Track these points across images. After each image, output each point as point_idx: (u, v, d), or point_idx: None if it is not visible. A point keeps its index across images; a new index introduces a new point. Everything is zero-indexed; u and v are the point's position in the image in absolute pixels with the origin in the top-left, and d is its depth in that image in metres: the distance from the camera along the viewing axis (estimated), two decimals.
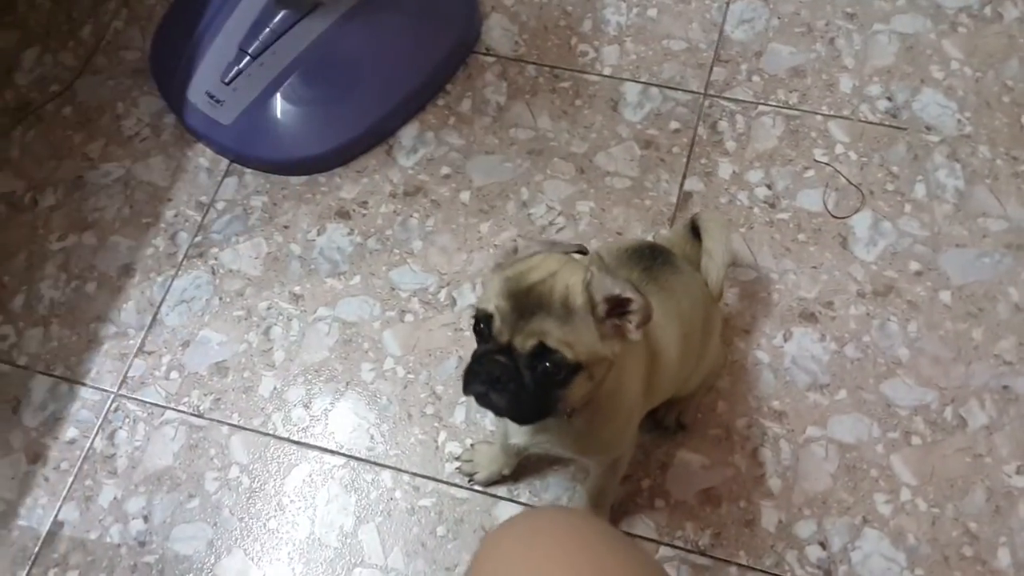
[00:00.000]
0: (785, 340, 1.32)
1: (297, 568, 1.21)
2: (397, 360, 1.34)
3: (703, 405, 1.28)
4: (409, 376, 1.33)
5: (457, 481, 1.25)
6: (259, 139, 1.51)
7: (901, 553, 1.18)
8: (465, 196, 1.47)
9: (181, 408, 1.33)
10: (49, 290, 1.43)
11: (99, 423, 1.32)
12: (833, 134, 1.48)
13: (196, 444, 1.30)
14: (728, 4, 1.62)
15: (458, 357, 1.33)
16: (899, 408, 1.27)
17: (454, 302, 1.38)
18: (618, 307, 0.84)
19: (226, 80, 1.51)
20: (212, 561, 1.23)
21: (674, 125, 1.51)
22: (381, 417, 1.30)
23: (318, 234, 1.45)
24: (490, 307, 0.84)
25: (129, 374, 1.36)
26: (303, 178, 1.51)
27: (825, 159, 1.46)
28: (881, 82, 1.53)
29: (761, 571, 1.18)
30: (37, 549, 1.25)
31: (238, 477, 1.27)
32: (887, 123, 1.49)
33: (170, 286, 1.42)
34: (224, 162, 1.53)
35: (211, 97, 1.51)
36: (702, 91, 1.54)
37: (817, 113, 1.50)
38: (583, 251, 0.91)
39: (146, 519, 1.25)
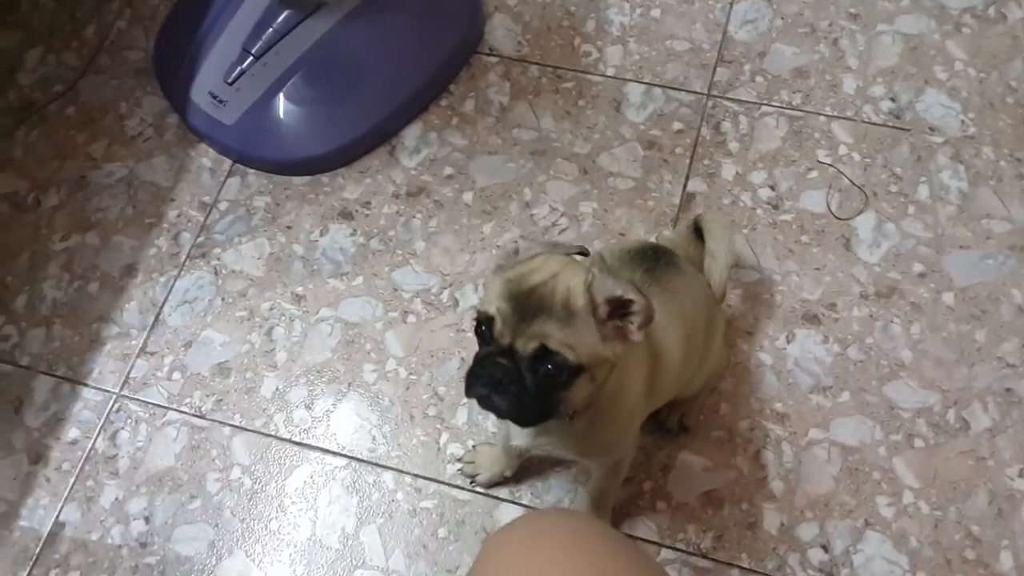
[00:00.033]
0: (788, 342, 1.32)
1: (298, 570, 1.22)
2: (399, 361, 1.34)
3: (705, 407, 1.27)
4: (411, 377, 1.33)
5: (459, 483, 1.25)
6: (262, 139, 1.51)
7: (903, 556, 1.18)
8: (468, 197, 1.47)
9: (183, 409, 1.33)
10: (52, 290, 1.43)
11: (101, 423, 1.33)
12: (836, 135, 1.48)
13: (198, 445, 1.30)
14: (732, 4, 1.62)
15: (460, 358, 1.33)
16: (902, 410, 1.26)
17: (456, 303, 1.38)
18: (620, 308, 0.83)
19: (229, 80, 1.51)
20: (213, 562, 1.23)
21: (677, 126, 1.50)
22: (383, 418, 1.30)
23: (321, 235, 1.45)
24: (491, 309, 0.84)
25: (131, 375, 1.36)
26: (306, 178, 1.51)
27: (828, 160, 1.46)
28: (885, 83, 1.52)
29: (763, 574, 1.17)
30: (38, 550, 1.25)
31: (240, 478, 1.27)
32: (891, 124, 1.48)
33: (173, 286, 1.42)
34: (227, 162, 1.53)
35: (214, 97, 1.51)
36: (705, 92, 1.53)
37: (820, 114, 1.50)
38: (584, 252, 0.91)
39: (147, 520, 1.26)
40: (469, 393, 0.87)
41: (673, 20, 1.61)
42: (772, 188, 1.44)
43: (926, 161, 1.45)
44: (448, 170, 1.49)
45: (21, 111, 1.60)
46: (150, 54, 1.64)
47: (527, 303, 0.82)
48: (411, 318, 1.37)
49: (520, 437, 1.00)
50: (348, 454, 1.28)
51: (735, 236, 1.37)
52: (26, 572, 1.24)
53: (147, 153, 1.55)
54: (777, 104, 1.51)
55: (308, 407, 1.32)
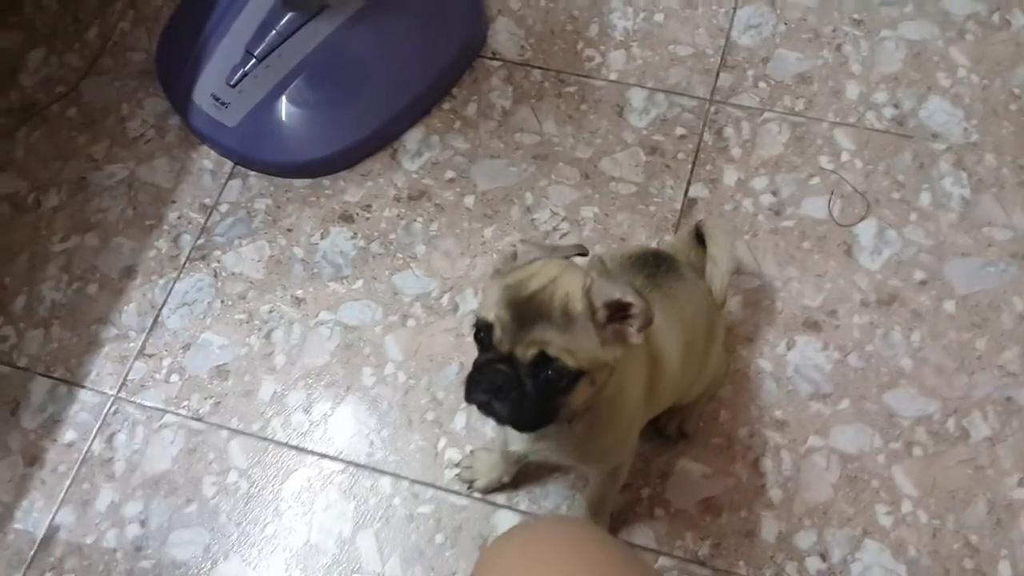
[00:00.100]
0: (788, 349, 1.31)
1: (294, 575, 1.21)
2: (398, 365, 1.34)
3: (705, 414, 1.27)
4: (410, 382, 1.32)
5: (456, 488, 1.24)
6: (264, 142, 1.51)
7: (902, 565, 1.17)
8: (469, 200, 1.46)
9: (180, 412, 1.33)
10: (51, 291, 1.43)
11: (98, 426, 1.32)
12: (839, 141, 1.47)
13: (195, 448, 1.30)
14: (735, 10, 1.61)
15: (459, 363, 1.32)
16: (901, 418, 1.26)
17: (456, 307, 1.37)
18: (619, 311, 0.83)
19: (232, 82, 1.51)
20: (208, 567, 1.22)
21: (679, 131, 1.50)
22: (381, 423, 1.30)
23: (321, 237, 1.45)
24: (490, 316, 0.84)
25: (129, 377, 1.36)
26: (307, 181, 1.50)
27: (831, 167, 1.45)
28: (888, 89, 1.52)
29: None
30: (32, 553, 1.25)
31: (236, 482, 1.27)
32: (893, 131, 1.48)
33: (172, 288, 1.42)
34: (228, 164, 1.53)
35: (216, 99, 1.51)
36: (708, 97, 1.53)
37: (823, 120, 1.49)
38: (583, 253, 0.90)
39: (143, 524, 1.25)
40: (469, 399, 0.87)
41: (676, 25, 1.61)
42: (774, 194, 1.43)
43: (928, 168, 1.44)
44: (450, 174, 1.49)
45: (23, 112, 1.60)
46: (153, 56, 1.64)
47: (526, 310, 0.82)
48: (411, 322, 1.37)
49: (518, 442, 1.00)
50: (345, 458, 1.28)
51: (737, 242, 1.36)
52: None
53: (148, 155, 1.55)
54: (780, 110, 1.51)
55: (306, 411, 1.31)
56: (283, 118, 1.50)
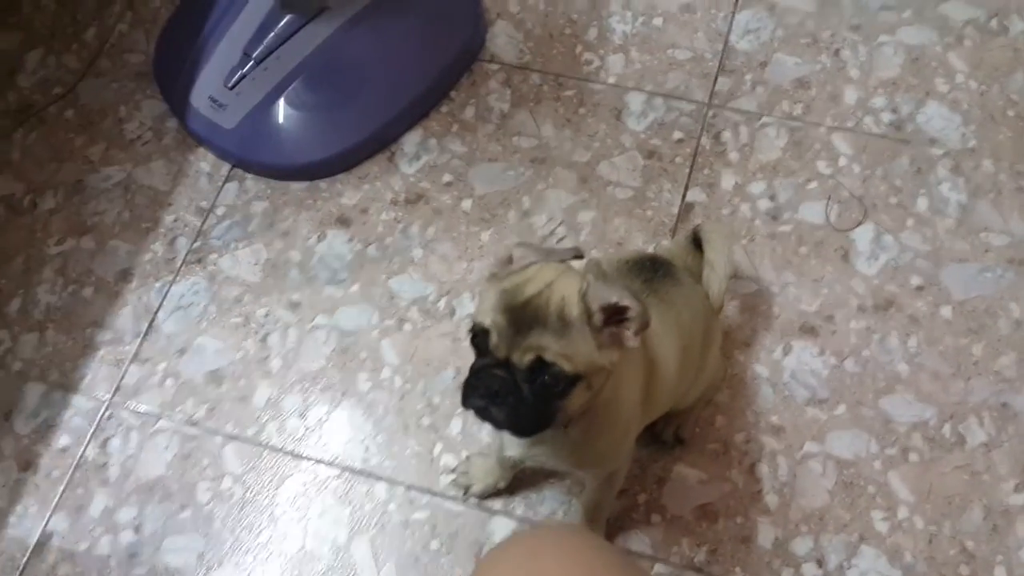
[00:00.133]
0: (785, 354, 1.31)
1: None
2: (395, 370, 1.33)
3: (701, 419, 1.27)
4: (406, 386, 1.32)
5: (452, 494, 1.24)
6: (261, 144, 1.51)
7: (898, 571, 1.17)
8: (467, 204, 1.46)
9: (175, 417, 1.32)
10: (46, 295, 1.43)
11: (92, 431, 1.32)
12: (837, 146, 1.47)
13: (189, 454, 1.29)
14: (734, 14, 1.61)
15: (456, 368, 1.32)
16: (898, 424, 1.26)
17: (453, 311, 1.37)
18: (615, 315, 0.83)
19: (230, 84, 1.50)
20: (202, 573, 1.22)
21: (677, 135, 1.50)
22: (377, 428, 1.30)
23: (318, 241, 1.45)
24: (486, 321, 0.84)
25: (124, 381, 1.35)
26: (304, 184, 1.50)
27: (828, 171, 1.45)
28: (886, 94, 1.51)
29: None
30: (25, 560, 1.24)
31: (231, 488, 1.27)
32: (891, 136, 1.48)
33: (168, 292, 1.42)
34: (225, 167, 1.53)
35: (214, 101, 1.51)
36: (706, 101, 1.53)
37: (821, 125, 1.49)
38: (579, 255, 0.90)
39: (137, 530, 1.25)
40: (466, 404, 0.87)
41: (675, 29, 1.61)
42: (771, 199, 1.43)
43: (926, 173, 1.44)
44: (447, 177, 1.49)
45: (20, 113, 1.60)
46: (151, 57, 1.63)
47: (522, 315, 0.82)
48: (407, 326, 1.37)
49: (514, 447, 0.99)
50: (341, 464, 1.28)
51: (734, 247, 1.36)
52: None
53: (145, 157, 1.54)
54: (778, 115, 1.51)
55: (301, 416, 1.31)
56: (281, 120, 1.50)
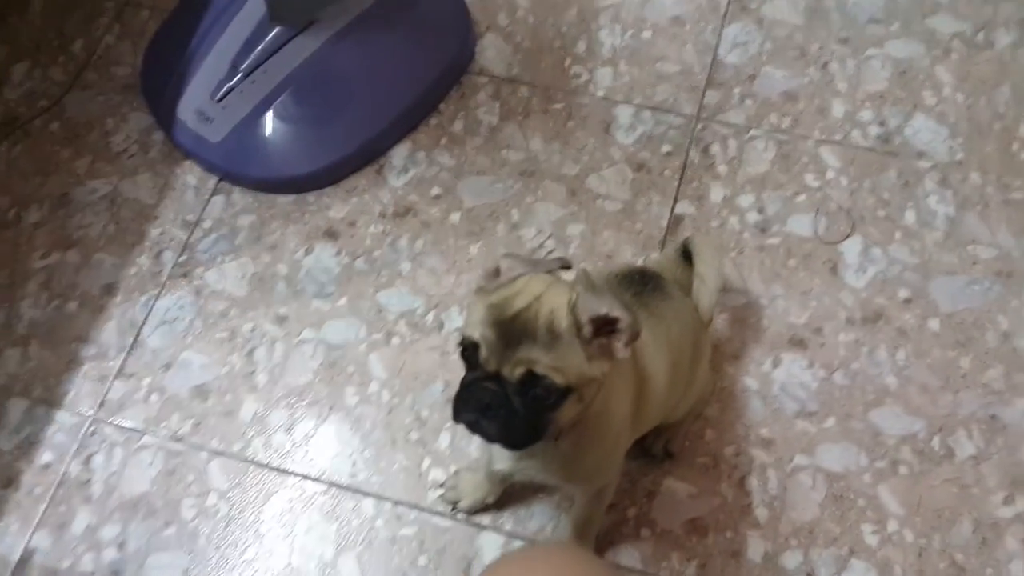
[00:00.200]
0: (774, 366, 1.31)
1: None
2: (382, 384, 1.32)
3: (691, 433, 1.26)
4: (394, 400, 1.31)
5: (440, 509, 1.23)
6: (249, 157, 1.50)
7: None
8: (455, 217, 1.46)
9: (160, 432, 1.31)
10: (30, 309, 1.41)
11: (75, 447, 1.30)
12: (825, 159, 1.48)
13: (174, 470, 1.28)
14: (722, 27, 1.62)
15: (444, 382, 1.31)
16: (887, 437, 1.25)
17: (442, 325, 1.36)
18: (605, 326, 0.83)
19: (217, 97, 1.50)
20: None
21: (666, 148, 1.50)
22: (364, 443, 1.28)
23: (305, 254, 1.44)
24: (475, 335, 0.83)
25: (108, 397, 1.34)
26: (291, 197, 1.49)
27: (816, 184, 1.45)
28: (873, 107, 1.52)
29: None
30: None
31: (216, 504, 1.25)
32: (879, 149, 1.48)
33: (153, 306, 1.40)
34: (212, 180, 1.52)
35: (201, 114, 1.51)
36: (695, 114, 1.53)
37: (809, 138, 1.50)
38: (567, 266, 0.90)
39: (120, 547, 1.23)
40: (458, 418, 0.86)
41: (664, 42, 1.61)
42: (760, 212, 1.43)
43: (913, 186, 1.44)
44: (436, 190, 1.48)
45: (5, 126, 1.58)
46: (138, 70, 1.62)
47: (511, 329, 0.82)
48: (395, 340, 1.36)
49: (503, 461, 0.99)
50: (328, 480, 1.26)
51: (724, 259, 1.36)
52: None
53: (132, 170, 1.53)
54: (766, 128, 1.51)
55: (288, 431, 1.30)
56: (268, 133, 1.49)
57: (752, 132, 1.51)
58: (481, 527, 1.22)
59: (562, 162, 1.49)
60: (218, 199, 1.50)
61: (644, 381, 0.99)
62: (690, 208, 1.44)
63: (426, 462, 1.26)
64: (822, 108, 1.52)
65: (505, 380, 0.82)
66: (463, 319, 1.33)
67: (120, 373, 1.35)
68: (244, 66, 1.50)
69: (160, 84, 1.56)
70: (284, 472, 1.27)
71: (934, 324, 1.33)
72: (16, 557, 1.23)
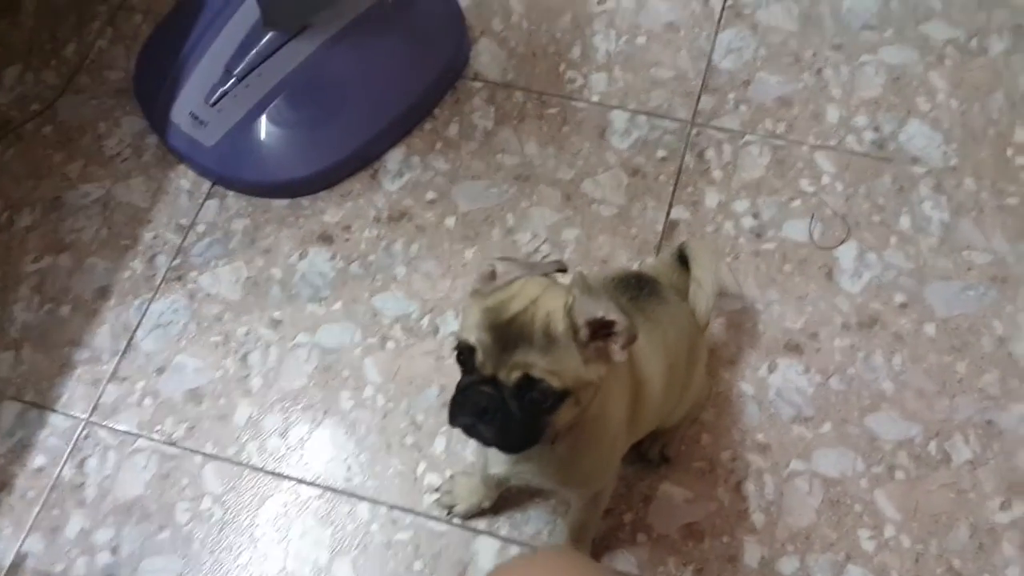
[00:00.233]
0: (770, 371, 1.31)
1: None
2: (377, 388, 1.32)
3: (687, 437, 1.26)
4: (389, 405, 1.30)
5: (436, 514, 1.22)
6: (243, 161, 1.49)
7: None
8: (450, 222, 1.45)
9: (154, 436, 1.30)
10: (22, 312, 1.40)
11: (69, 451, 1.29)
12: (819, 165, 1.48)
13: (168, 474, 1.27)
14: (716, 33, 1.62)
15: (440, 386, 1.31)
16: (883, 442, 1.25)
17: (437, 329, 1.36)
18: (601, 329, 0.82)
19: (211, 101, 1.49)
20: None
21: (661, 153, 1.50)
22: (359, 447, 1.28)
23: (300, 258, 1.43)
24: (471, 339, 0.83)
25: (101, 400, 1.33)
26: (286, 201, 1.49)
27: (811, 190, 1.46)
28: (868, 113, 1.52)
29: None
30: None
31: (210, 508, 1.24)
32: (873, 154, 1.49)
33: (146, 310, 1.40)
34: (206, 184, 1.51)
35: (195, 118, 1.50)
36: (690, 119, 1.53)
37: (804, 143, 1.50)
38: (563, 269, 0.89)
39: (114, 551, 1.22)
40: (454, 422, 0.86)
41: (658, 48, 1.61)
42: (755, 217, 1.43)
43: (908, 192, 1.45)
44: (431, 194, 1.48)
45: None
46: (131, 74, 1.62)
47: (507, 332, 0.81)
48: (390, 344, 1.35)
49: (499, 465, 0.98)
50: (322, 484, 1.26)
51: (720, 264, 1.36)
52: None
53: (125, 174, 1.53)
54: (761, 133, 1.51)
55: (282, 435, 1.29)
56: (262, 137, 1.49)
57: (747, 137, 1.51)
58: (477, 532, 1.21)
59: (557, 167, 1.49)
60: (212, 203, 1.49)
61: (640, 385, 0.98)
62: (685, 213, 1.44)
63: (421, 466, 1.26)
64: (816, 114, 1.53)
65: (501, 384, 0.82)
66: (459, 323, 1.33)
67: (114, 377, 1.35)
68: (238, 70, 1.49)
69: (154, 88, 1.56)
70: (279, 476, 1.26)
71: (930, 329, 1.33)
72: (8, 561, 1.22)
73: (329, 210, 1.47)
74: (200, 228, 1.47)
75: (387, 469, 1.26)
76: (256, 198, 1.49)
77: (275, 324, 1.38)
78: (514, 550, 1.20)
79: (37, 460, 1.29)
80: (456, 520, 1.22)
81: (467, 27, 1.63)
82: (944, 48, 1.59)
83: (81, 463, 1.28)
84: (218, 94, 1.49)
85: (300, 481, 1.26)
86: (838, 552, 1.18)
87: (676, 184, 1.47)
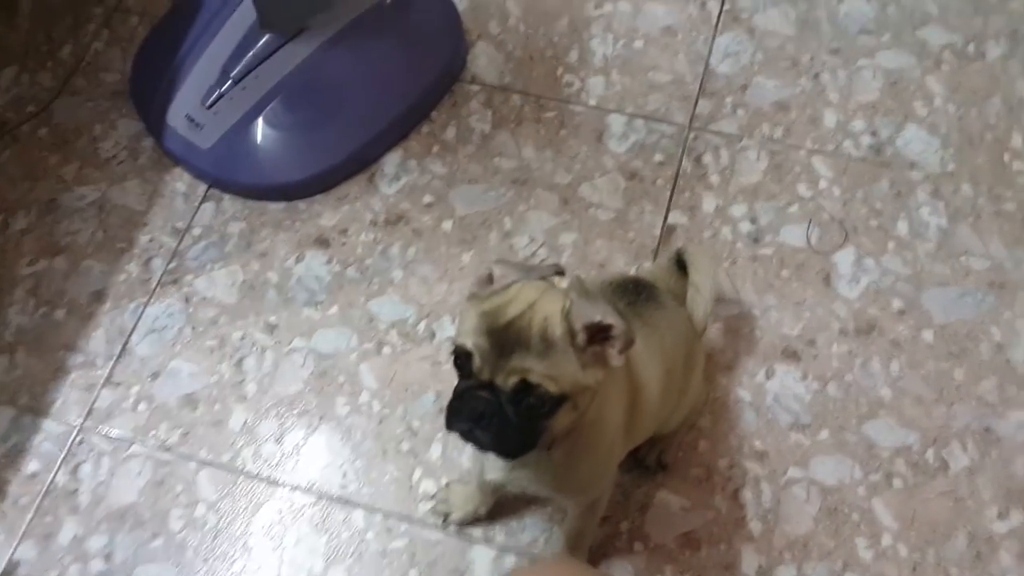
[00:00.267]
0: (767, 378, 1.31)
1: None
2: (373, 394, 1.31)
3: (684, 444, 1.26)
4: (385, 411, 1.30)
5: (431, 522, 1.22)
6: (239, 164, 1.49)
7: None
8: (447, 225, 1.45)
9: (148, 442, 1.29)
10: (17, 316, 1.39)
11: (62, 456, 1.28)
12: (817, 169, 1.48)
13: (162, 480, 1.26)
14: (714, 37, 1.62)
15: (436, 392, 1.30)
16: (881, 449, 1.25)
17: (433, 335, 1.35)
18: (599, 333, 0.82)
19: (207, 104, 1.49)
20: None
21: (659, 157, 1.50)
22: (355, 453, 1.27)
23: (296, 262, 1.43)
24: (468, 344, 0.82)
25: (95, 405, 1.32)
26: (282, 204, 1.48)
27: (809, 194, 1.45)
28: (865, 118, 1.52)
29: None
30: None
31: (204, 515, 1.24)
32: (871, 159, 1.48)
33: (142, 314, 1.39)
34: (202, 187, 1.51)
35: (191, 120, 1.49)
36: (687, 124, 1.53)
37: (801, 148, 1.50)
38: (560, 272, 0.89)
39: (107, 558, 1.21)
40: (451, 427, 0.85)
41: (656, 52, 1.61)
42: (752, 221, 1.43)
43: (905, 197, 1.45)
44: (428, 198, 1.47)
45: None
46: (127, 76, 1.61)
47: (505, 337, 0.81)
48: (386, 349, 1.35)
49: (495, 471, 0.98)
50: (318, 491, 1.25)
51: (719, 269, 1.36)
52: None
53: (120, 176, 1.52)
54: (758, 137, 1.51)
55: (278, 441, 1.28)
56: (259, 140, 1.48)
57: (744, 142, 1.51)
58: (472, 540, 1.21)
59: (555, 171, 1.49)
60: (208, 206, 1.49)
61: (638, 390, 0.98)
62: (683, 218, 1.44)
63: (417, 473, 1.25)
64: (814, 118, 1.53)
65: (498, 389, 0.81)
66: (455, 327, 1.33)
67: (108, 381, 1.34)
68: (235, 72, 1.48)
69: (150, 90, 1.55)
70: (273, 483, 1.26)
71: (927, 335, 1.33)
72: (0, 568, 1.21)
73: (325, 213, 1.47)
74: (196, 231, 1.46)
75: (383, 476, 1.25)
76: (252, 201, 1.49)
77: (271, 329, 1.37)
78: (510, 558, 1.19)
79: (30, 466, 1.28)
80: (452, 528, 1.21)
81: (464, 30, 1.63)
82: (941, 53, 1.58)
83: (75, 469, 1.28)
84: (214, 96, 1.48)
85: (295, 488, 1.25)
86: (835, 561, 1.18)
87: (674, 188, 1.46)
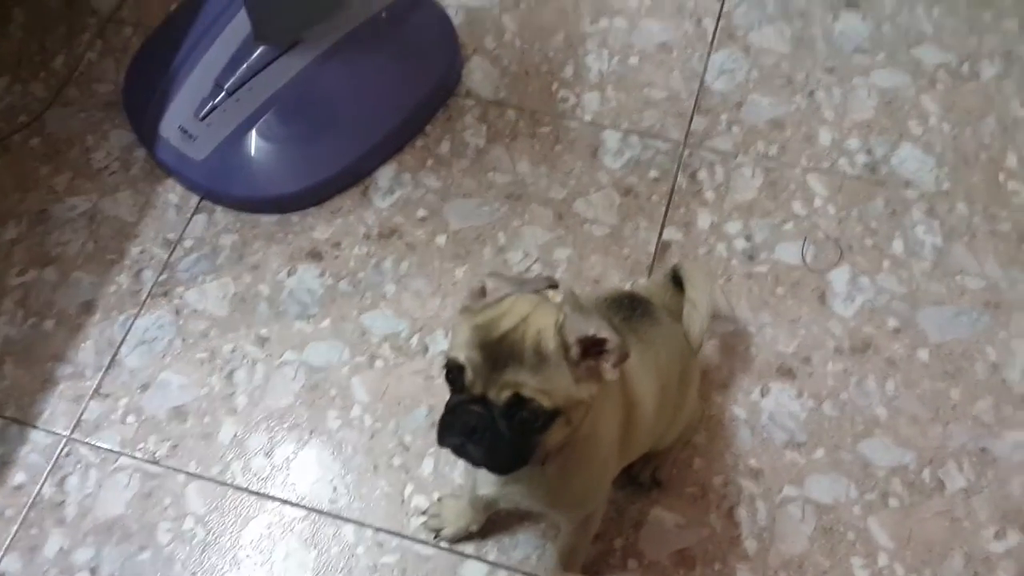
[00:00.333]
0: (762, 395, 1.30)
1: None
2: (365, 408, 1.30)
3: (679, 461, 1.25)
4: (376, 425, 1.29)
5: (423, 537, 1.20)
6: (232, 176, 1.48)
7: None
8: (441, 240, 1.44)
9: (136, 454, 1.27)
10: (5, 327, 1.38)
11: (49, 468, 1.26)
12: (812, 187, 1.48)
13: (150, 493, 1.24)
14: (709, 54, 1.62)
15: (428, 406, 1.29)
16: (877, 468, 1.24)
17: (426, 349, 1.34)
18: (593, 347, 0.81)
19: (200, 115, 1.48)
20: None
21: (653, 173, 1.50)
22: (346, 468, 1.26)
23: (288, 275, 1.42)
24: (461, 357, 0.82)
25: (83, 417, 1.30)
26: (275, 217, 1.47)
27: (804, 212, 1.45)
28: (860, 136, 1.53)
29: None
30: None
31: (192, 529, 1.22)
32: (866, 177, 1.48)
33: (131, 326, 1.37)
34: (194, 199, 1.50)
35: (184, 132, 1.49)
36: (682, 140, 1.53)
37: (796, 166, 1.50)
38: (554, 285, 0.88)
39: (93, 572, 1.19)
40: (443, 442, 0.84)
41: (651, 68, 1.61)
42: (747, 239, 1.43)
43: (901, 215, 1.45)
44: (421, 212, 1.47)
45: None
46: (120, 87, 1.60)
47: (498, 351, 0.80)
48: (379, 363, 1.33)
49: (488, 486, 0.97)
50: (307, 505, 1.23)
51: (715, 286, 1.35)
52: None
53: (112, 187, 1.51)
54: (753, 155, 1.51)
55: (267, 455, 1.27)
56: (252, 152, 1.47)
57: (739, 159, 1.51)
58: (464, 556, 1.19)
59: (549, 186, 1.49)
60: (200, 218, 1.48)
61: (632, 406, 0.97)
62: (678, 234, 1.43)
63: (409, 488, 1.24)
64: (809, 136, 1.53)
65: (491, 403, 0.80)
66: (448, 341, 1.32)
67: (96, 393, 1.32)
68: (228, 84, 1.48)
69: (143, 101, 1.54)
70: (263, 496, 1.24)
71: (923, 354, 1.32)
72: None
73: (319, 226, 1.46)
74: (187, 243, 1.45)
75: (374, 491, 1.24)
76: (245, 213, 1.48)
77: (262, 341, 1.36)
78: (502, 575, 1.18)
79: (17, 477, 1.26)
80: (443, 544, 1.19)
81: (460, 45, 1.63)
82: (936, 72, 1.59)
83: (62, 481, 1.26)
84: (208, 108, 1.48)
85: (285, 502, 1.24)
86: None
87: (668, 205, 1.46)
